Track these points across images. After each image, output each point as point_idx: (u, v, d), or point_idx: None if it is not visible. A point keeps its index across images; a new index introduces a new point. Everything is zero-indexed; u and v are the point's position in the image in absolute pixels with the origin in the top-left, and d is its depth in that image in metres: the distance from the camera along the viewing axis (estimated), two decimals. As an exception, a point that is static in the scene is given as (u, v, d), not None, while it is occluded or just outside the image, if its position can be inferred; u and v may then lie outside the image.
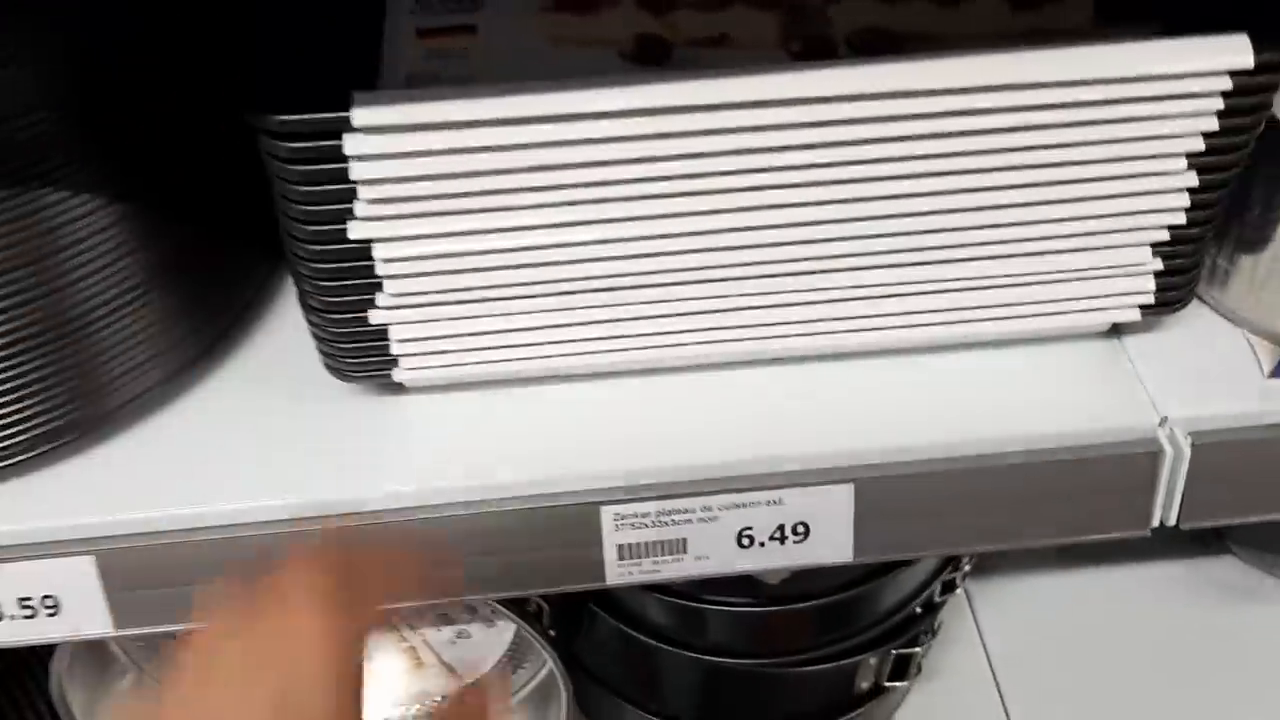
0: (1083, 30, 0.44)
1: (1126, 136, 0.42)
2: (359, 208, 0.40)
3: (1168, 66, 0.40)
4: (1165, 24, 0.44)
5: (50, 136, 0.42)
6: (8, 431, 0.44)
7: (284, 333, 0.51)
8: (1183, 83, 0.41)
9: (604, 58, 0.44)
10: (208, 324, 0.50)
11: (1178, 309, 0.48)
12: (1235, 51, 0.41)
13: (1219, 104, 0.42)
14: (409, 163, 0.39)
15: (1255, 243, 0.49)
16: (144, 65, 0.45)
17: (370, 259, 0.42)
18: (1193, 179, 0.44)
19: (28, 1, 0.41)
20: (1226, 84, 0.42)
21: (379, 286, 0.43)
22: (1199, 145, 0.43)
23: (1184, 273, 0.47)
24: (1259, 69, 0.41)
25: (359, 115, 0.37)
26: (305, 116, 0.38)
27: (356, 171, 0.38)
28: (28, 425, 0.45)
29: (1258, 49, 0.41)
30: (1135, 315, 0.48)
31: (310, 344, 0.46)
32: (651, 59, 0.44)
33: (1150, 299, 0.47)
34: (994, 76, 0.40)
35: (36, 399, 0.44)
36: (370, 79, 0.43)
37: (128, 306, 0.46)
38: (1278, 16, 0.42)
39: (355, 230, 0.40)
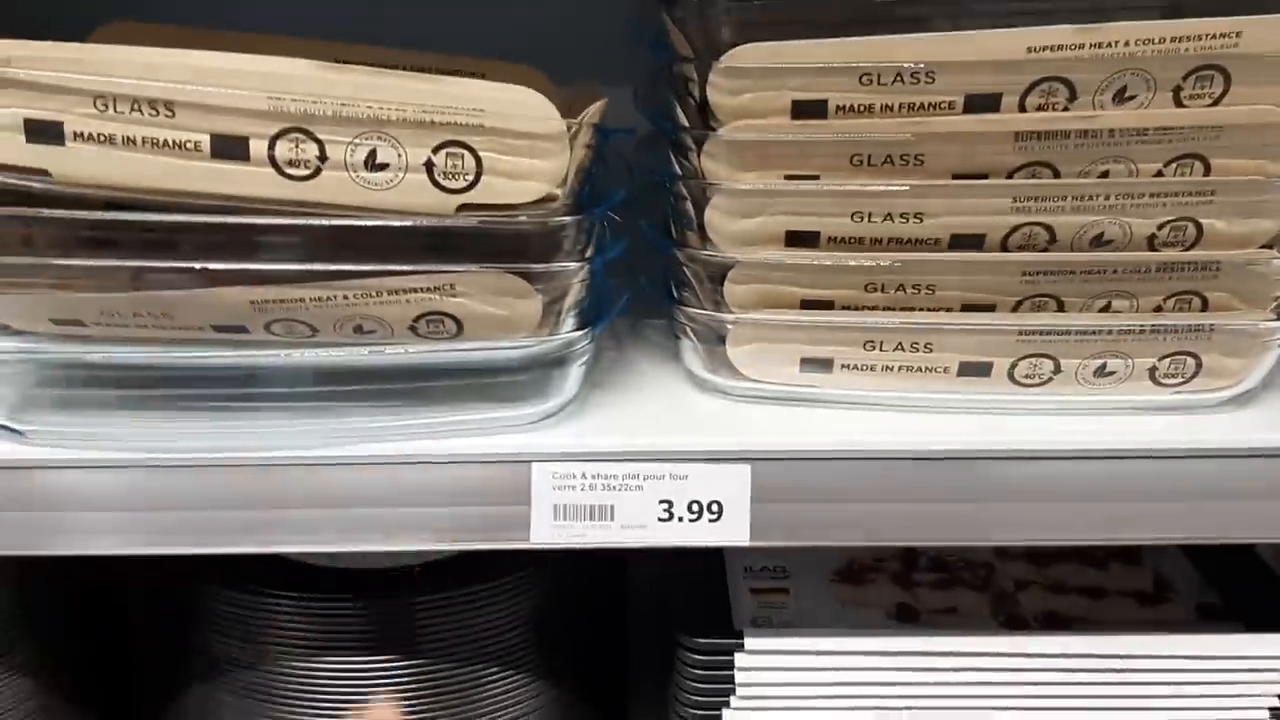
0: (1185, 623, 0.69)
1: (1215, 696, 0.65)
2: (733, 700, 0.64)
3: (1241, 651, 0.64)
4: (1245, 623, 0.68)
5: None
6: None
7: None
8: (1252, 662, 0.64)
9: (875, 616, 0.70)
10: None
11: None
12: (1289, 645, 0.65)
13: (1283, 679, 0.65)
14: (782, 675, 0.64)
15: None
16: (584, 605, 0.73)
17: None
18: (1272, 727, 0.66)
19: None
20: (1287, 665, 0.65)
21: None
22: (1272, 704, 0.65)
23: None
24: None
25: (750, 643, 0.63)
26: (713, 640, 0.63)
27: (739, 677, 0.63)
28: None
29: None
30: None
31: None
32: (906, 619, 0.70)
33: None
34: (1125, 648, 0.64)
35: None
36: (728, 618, 0.69)
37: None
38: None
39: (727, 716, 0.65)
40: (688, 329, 0.59)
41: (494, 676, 0.70)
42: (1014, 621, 0.69)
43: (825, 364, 0.57)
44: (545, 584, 0.71)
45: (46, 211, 0.49)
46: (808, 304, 0.56)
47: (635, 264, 0.60)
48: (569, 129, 0.50)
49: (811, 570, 0.74)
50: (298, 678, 0.68)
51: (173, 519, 0.55)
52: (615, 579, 0.80)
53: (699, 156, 0.54)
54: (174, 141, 0.48)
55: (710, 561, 0.75)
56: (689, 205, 0.56)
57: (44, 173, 0.49)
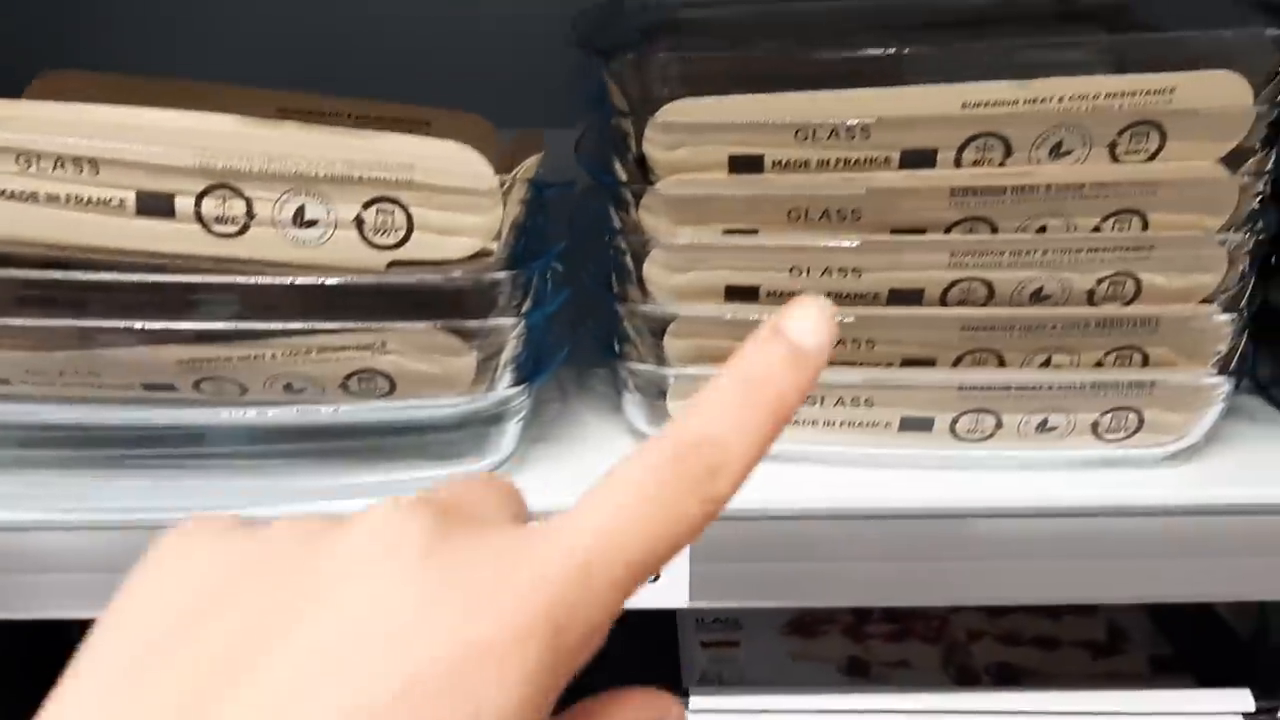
0: (1138, 675, 0.68)
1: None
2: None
3: (1191, 708, 0.63)
4: (1196, 677, 0.67)
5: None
6: None
7: None
8: (1202, 719, 0.63)
9: (826, 670, 0.69)
10: None
11: None
12: (1240, 701, 0.64)
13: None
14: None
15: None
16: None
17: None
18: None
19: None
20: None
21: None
22: (1225, 759, 0.65)
23: None
24: (1257, 712, 0.64)
25: (696, 702, 0.62)
26: None
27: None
28: None
29: (1257, 698, 0.64)
30: None
31: None
32: (857, 673, 0.69)
33: None
34: (1075, 705, 0.64)
35: None
36: (677, 677, 0.68)
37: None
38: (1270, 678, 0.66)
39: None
40: (629, 382, 0.58)
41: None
42: (965, 675, 0.68)
43: (767, 419, 0.56)
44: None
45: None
46: (748, 358, 0.55)
47: (582, 313, 0.60)
48: (502, 184, 0.50)
49: (764, 622, 0.74)
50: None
51: (106, 581, 0.54)
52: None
53: (637, 210, 0.54)
54: (98, 198, 0.48)
55: (661, 613, 0.74)
56: (629, 259, 0.56)
57: (-36, 230, 0.48)
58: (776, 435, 0.26)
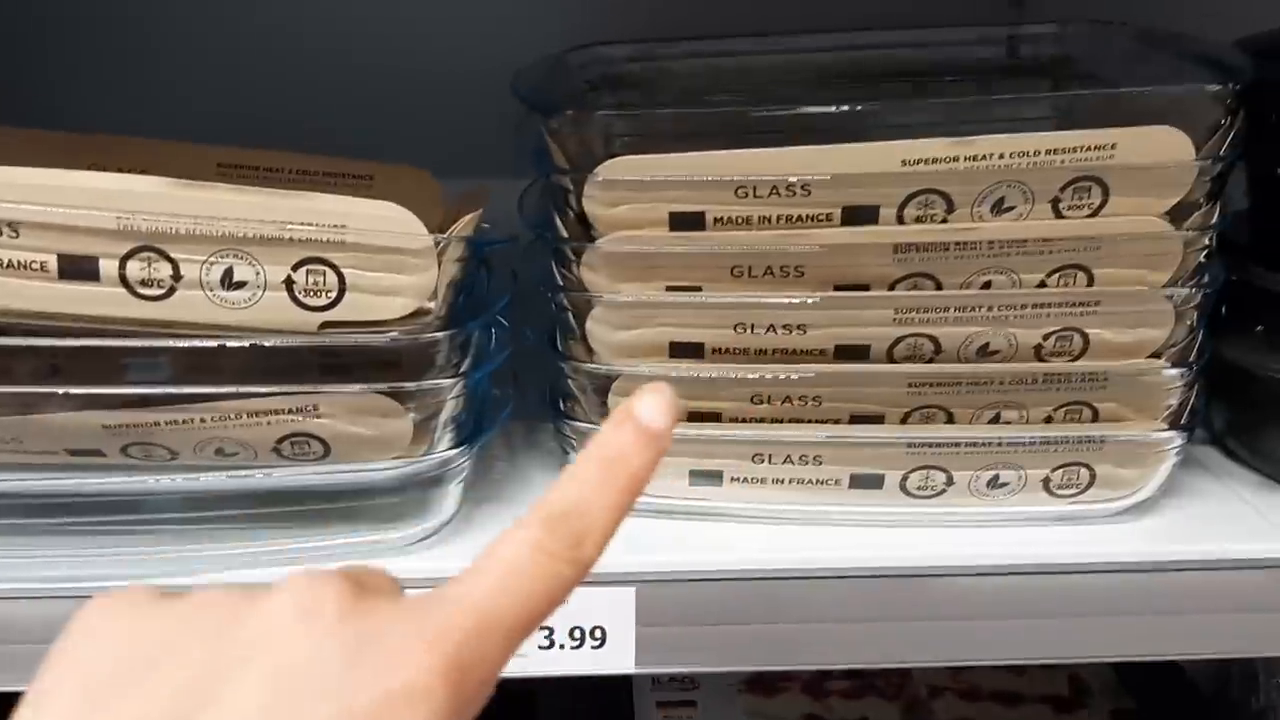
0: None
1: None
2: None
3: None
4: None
5: None
6: None
7: None
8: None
9: (783, 731, 0.68)
10: None
11: None
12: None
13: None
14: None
15: None
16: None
17: None
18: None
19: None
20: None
21: None
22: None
23: None
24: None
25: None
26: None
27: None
28: None
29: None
30: None
31: None
32: (815, 732, 0.67)
33: None
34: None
35: None
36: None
37: None
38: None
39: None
40: (574, 442, 0.57)
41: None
42: (924, 735, 0.67)
43: (715, 476, 0.55)
44: None
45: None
46: (695, 416, 0.54)
47: (528, 369, 0.58)
48: (437, 244, 0.49)
49: (722, 680, 0.72)
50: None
51: (32, 653, 0.52)
52: (524, 696, 0.77)
53: (579, 267, 0.53)
54: (19, 262, 0.46)
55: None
56: (571, 316, 0.55)
57: (-119, 294, 0.47)
58: (632, 504, 0.31)
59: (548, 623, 0.54)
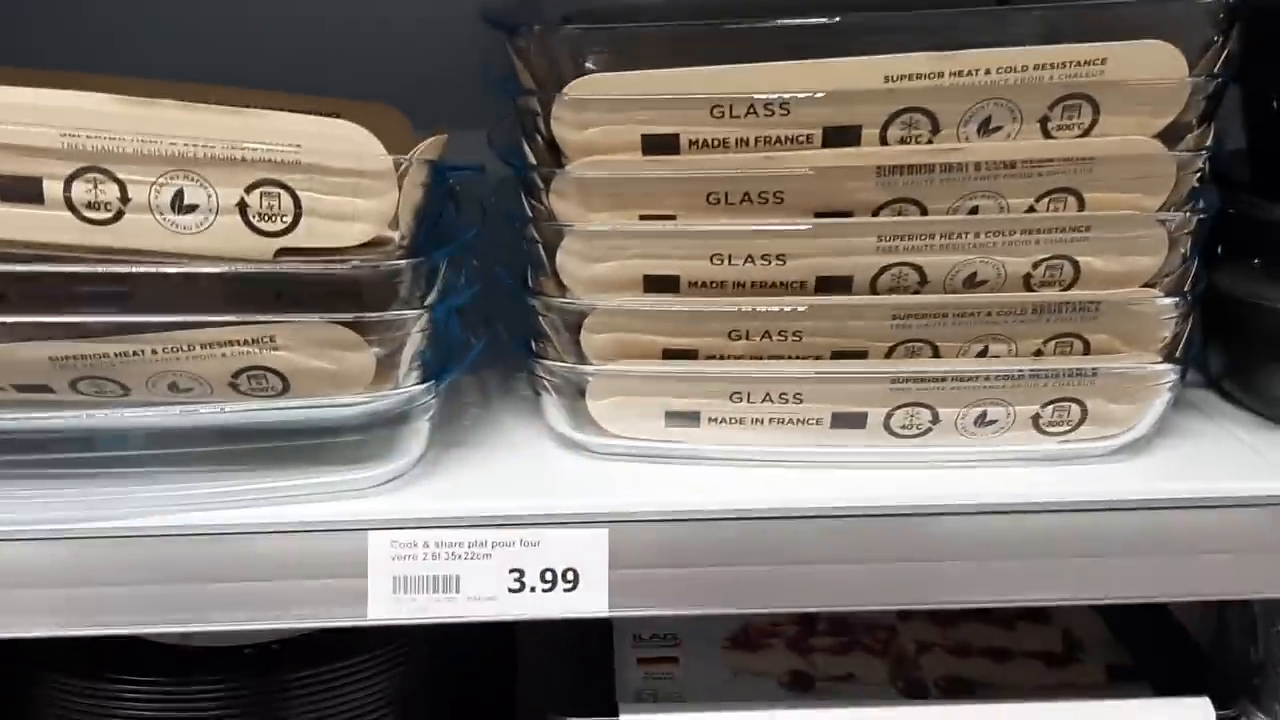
0: (1095, 685, 0.65)
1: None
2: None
3: (1148, 717, 0.60)
4: (1154, 686, 0.64)
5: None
6: None
7: None
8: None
9: (768, 685, 0.66)
10: None
11: None
12: (1200, 709, 0.61)
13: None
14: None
15: None
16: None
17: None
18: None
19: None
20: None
21: None
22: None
23: None
24: (1217, 720, 0.61)
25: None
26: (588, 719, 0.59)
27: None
28: None
29: (1216, 706, 0.61)
30: None
31: None
32: (801, 688, 0.65)
33: None
34: (1025, 717, 0.60)
35: None
36: (610, 693, 0.64)
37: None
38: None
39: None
40: (546, 383, 0.55)
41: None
42: (913, 688, 0.65)
43: (692, 417, 0.53)
44: (420, 657, 0.66)
45: None
46: (670, 353, 0.52)
47: (503, 316, 0.56)
48: (397, 165, 0.47)
49: (704, 636, 0.70)
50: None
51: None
52: (503, 649, 0.76)
53: (548, 196, 0.51)
54: (-42, 184, 0.44)
55: (599, 627, 0.70)
56: (541, 249, 0.53)
57: None
58: None
59: (518, 565, 0.53)
